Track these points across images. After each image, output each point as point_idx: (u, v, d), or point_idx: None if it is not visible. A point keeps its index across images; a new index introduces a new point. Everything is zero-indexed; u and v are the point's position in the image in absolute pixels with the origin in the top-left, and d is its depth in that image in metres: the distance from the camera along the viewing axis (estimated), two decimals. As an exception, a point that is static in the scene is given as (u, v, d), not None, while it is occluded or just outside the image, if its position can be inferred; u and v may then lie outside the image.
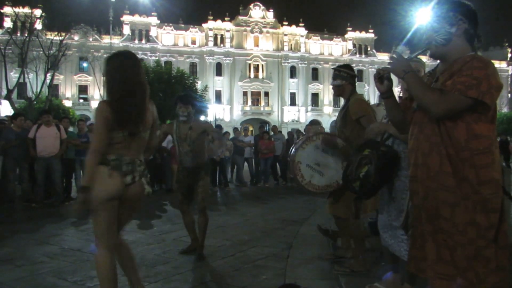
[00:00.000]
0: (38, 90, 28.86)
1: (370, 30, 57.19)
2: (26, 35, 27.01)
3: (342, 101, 3.86)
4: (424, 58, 3.26)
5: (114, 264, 2.51)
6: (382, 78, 2.15)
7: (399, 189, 2.72)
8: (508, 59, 61.58)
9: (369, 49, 57.08)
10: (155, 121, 2.72)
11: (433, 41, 1.97)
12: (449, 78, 1.89)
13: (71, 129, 9.94)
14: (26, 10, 27.96)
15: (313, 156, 3.55)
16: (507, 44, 62.92)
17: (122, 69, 2.49)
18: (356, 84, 3.82)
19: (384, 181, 2.63)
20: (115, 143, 2.46)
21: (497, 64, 55.29)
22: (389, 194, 2.81)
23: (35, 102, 28.13)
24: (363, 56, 56.51)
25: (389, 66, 2.08)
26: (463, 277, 1.81)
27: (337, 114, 3.93)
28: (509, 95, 55.90)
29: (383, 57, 53.83)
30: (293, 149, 3.67)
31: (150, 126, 2.63)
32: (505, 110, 48.41)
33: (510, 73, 60.01)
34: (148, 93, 2.59)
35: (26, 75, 27.43)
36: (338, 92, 3.69)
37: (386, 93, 2.17)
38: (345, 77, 3.63)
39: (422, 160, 1.95)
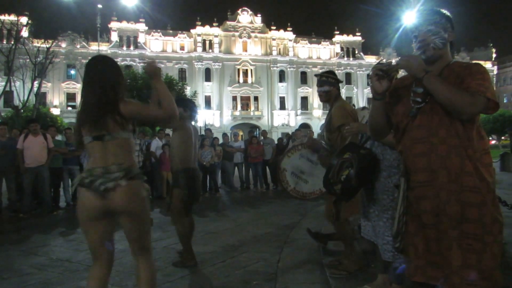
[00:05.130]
0: (25, 98, 28.61)
1: (357, 33, 57.77)
2: (12, 43, 26.79)
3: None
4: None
5: None
6: (383, 77, 1.90)
7: (379, 190, 2.79)
8: (493, 59, 62.65)
9: (356, 52, 57.58)
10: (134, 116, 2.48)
11: (431, 43, 1.96)
12: (460, 81, 1.88)
13: (58, 137, 9.83)
14: (12, 17, 27.76)
15: (297, 165, 3.79)
16: (491, 44, 64.14)
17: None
18: (345, 87, 3.99)
19: (364, 183, 2.68)
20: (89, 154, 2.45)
21: (482, 64, 56.16)
22: (368, 196, 2.87)
23: (22, 110, 27.86)
24: (351, 59, 56.96)
25: (399, 64, 1.89)
26: (489, 279, 1.78)
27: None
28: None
29: (371, 60, 54.39)
30: (280, 157, 3.93)
31: (125, 127, 2.40)
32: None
33: (495, 73, 61.08)
34: (108, 91, 2.37)
35: (12, 83, 27.20)
36: (325, 97, 3.78)
37: (381, 95, 1.96)
38: (332, 82, 3.77)
39: (440, 164, 1.87)
